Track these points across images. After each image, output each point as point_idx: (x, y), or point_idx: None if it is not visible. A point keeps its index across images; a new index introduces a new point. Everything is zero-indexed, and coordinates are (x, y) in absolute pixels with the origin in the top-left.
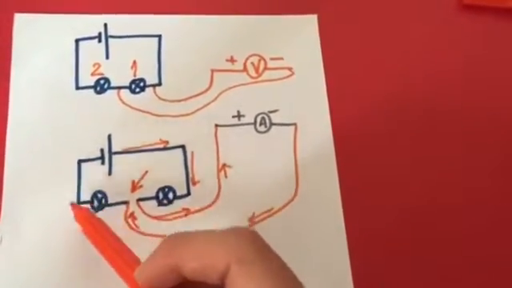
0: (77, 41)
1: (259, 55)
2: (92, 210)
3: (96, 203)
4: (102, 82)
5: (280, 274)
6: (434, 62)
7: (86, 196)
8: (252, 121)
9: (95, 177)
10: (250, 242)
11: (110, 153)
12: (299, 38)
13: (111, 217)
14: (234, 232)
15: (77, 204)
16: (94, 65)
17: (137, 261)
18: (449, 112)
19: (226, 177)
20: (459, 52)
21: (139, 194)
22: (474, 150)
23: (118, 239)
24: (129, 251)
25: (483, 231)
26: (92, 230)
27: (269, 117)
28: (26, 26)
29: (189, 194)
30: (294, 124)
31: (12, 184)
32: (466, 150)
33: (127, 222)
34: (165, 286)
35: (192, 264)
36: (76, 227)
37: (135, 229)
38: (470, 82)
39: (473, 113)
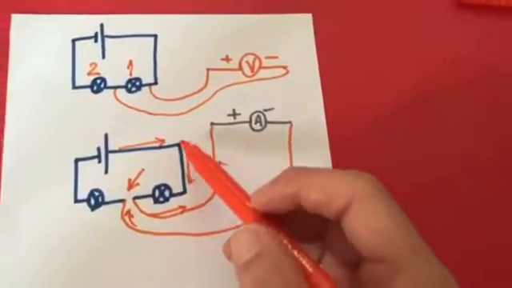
0: (73, 41)
1: (254, 54)
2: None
3: (93, 201)
4: (98, 81)
5: (400, 216)
6: (430, 61)
7: (82, 194)
8: (247, 119)
9: (92, 175)
10: (374, 184)
11: (107, 151)
12: (294, 37)
13: (108, 215)
14: (358, 173)
15: (186, 141)
16: (90, 64)
17: (247, 195)
18: (445, 110)
19: None
20: (456, 50)
21: (136, 192)
22: (472, 149)
23: (229, 176)
24: (239, 186)
25: (483, 233)
26: (204, 168)
27: (264, 115)
28: (22, 26)
29: (185, 191)
30: (289, 122)
31: (9, 183)
32: (463, 150)
33: (124, 220)
34: (278, 211)
35: (314, 195)
36: (73, 226)
37: (132, 226)
38: (467, 79)
39: (469, 111)
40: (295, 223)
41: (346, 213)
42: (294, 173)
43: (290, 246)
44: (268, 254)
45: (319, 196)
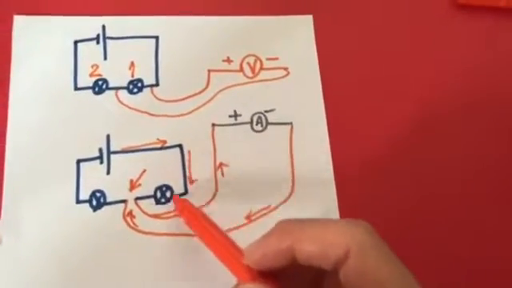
0: (75, 42)
1: (255, 55)
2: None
3: (95, 202)
4: (100, 82)
5: (398, 263)
6: (429, 61)
7: (84, 195)
8: (248, 120)
9: (94, 176)
10: (368, 231)
11: (109, 152)
12: (295, 39)
13: (110, 215)
14: (351, 221)
15: (178, 197)
16: (92, 66)
17: (240, 250)
18: (445, 110)
19: (222, 175)
20: (454, 51)
21: (137, 192)
22: (472, 149)
23: (221, 230)
24: (232, 241)
25: (481, 230)
26: (196, 223)
27: (265, 116)
28: (25, 27)
29: (186, 192)
30: (290, 123)
31: (12, 184)
32: (464, 150)
33: (126, 221)
34: (273, 268)
35: (309, 247)
36: (75, 227)
37: (133, 227)
38: (466, 80)
39: (469, 111)
40: (291, 274)
41: (343, 264)
42: (287, 226)
43: None
44: None
45: (314, 248)
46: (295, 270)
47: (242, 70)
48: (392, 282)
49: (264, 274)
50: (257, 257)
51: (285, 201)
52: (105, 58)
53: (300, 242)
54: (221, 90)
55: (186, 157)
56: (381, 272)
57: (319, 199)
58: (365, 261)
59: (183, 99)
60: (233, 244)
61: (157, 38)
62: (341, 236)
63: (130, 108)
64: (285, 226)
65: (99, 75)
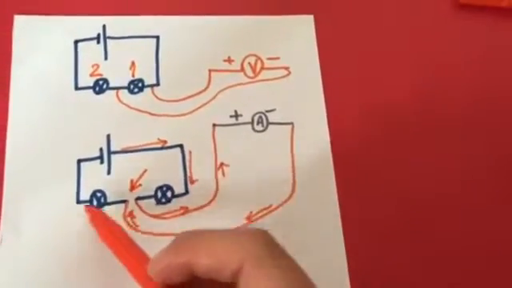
0: (76, 42)
1: (256, 55)
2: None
3: (95, 202)
4: (100, 82)
5: (292, 275)
6: (430, 61)
7: (85, 195)
8: (249, 120)
9: (94, 176)
10: (264, 242)
11: (109, 152)
12: (296, 38)
13: (110, 215)
14: (248, 232)
15: (90, 206)
16: (92, 65)
17: (148, 259)
18: (445, 110)
19: (223, 175)
20: (455, 51)
21: (138, 192)
22: (471, 146)
23: (130, 239)
24: (140, 250)
25: (480, 228)
26: (105, 230)
27: (266, 116)
28: (25, 27)
29: (187, 192)
30: (291, 123)
31: (12, 183)
32: (463, 147)
33: (126, 221)
34: (176, 281)
35: (205, 261)
36: (75, 227)
37: (134, 227)
38: (467, 80)
39: (469, 111)
40: (204, 282)
41: (240, 276)
42: (185, 239)
43: None
44: None
45: (209, 262)
46: (202, 282)
47: (242, 69)
48: None
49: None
50: (158, 271)
51: (285, 201)
52: (105, 58)
53: (196, 256)
54: (222, 90)
55: (187, 157)
56: (272, 285)
57: (320, 199)
58: (256, 275)
59: (184, 99)
60: (145, 258)
61: (157, 37)
62: (234, 249)
63: (130, 108)
64: (182, 239)
65: (100, 75)
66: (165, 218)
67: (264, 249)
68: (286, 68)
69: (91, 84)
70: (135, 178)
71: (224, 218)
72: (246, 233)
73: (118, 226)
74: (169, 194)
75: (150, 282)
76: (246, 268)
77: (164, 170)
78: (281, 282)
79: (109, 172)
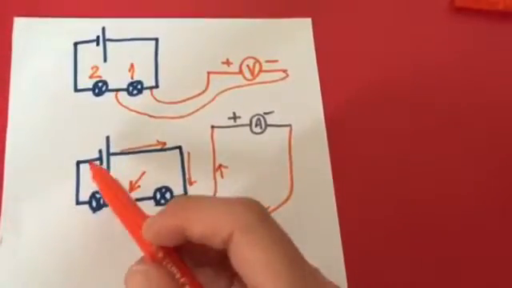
0: (75, 44)
1: (254, 58)
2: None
3: (94, 203)
4: (100, 84)
5: (280, 242)
6: (427, 64)
7: (84, 196)
8: (248, 122)
9: None
10: (254, 210)
11: (108, 154)
12: (294, 41)
13: (109, 217)
14: (240, 200)
15: (94, 163)
16: (92, 68)
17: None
18: (440, 112)
19: (222, 177)
20: (451, 54)
21: (137, 194)
22: (468, 147)
23: (130, 199)
24: (139, 209)
25: (478, 222)
26: (106, 189)
27: (264, 118)
28: (25, 29)
29: (186, 194)
30: (289, 125)
31: (12, 185)
32: (459, 145)
33: None
34: (170, 244)
35: (197, 227)
36: (75, 227)
37: None
38: (461, 83)
39: (464, 113)
40: (198, 248)
41: (230, 243)
42: (179, 204)
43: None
44: None
45: (202, 228)
46: (197, 246)
47: (241, 72)
48: (270, 263)
49: (168, 249)
50: (151, 233)
51: (284, 202)
52: (105, 60)
53: (189, 221)
54: (220, 92)
55: (186, 158)
56: (260, 253)
57: (318, 201)
58: (245, 243)
59: (183, 101)
60: (142, 215)
61: (156, 39)
62: (226, 217)
63: (129, 110)
64: (177, 203)
65: (99, 77)
66: None
67: (255, 217)
68: (284, 71)
69: (90, 86)
70: (134, 179)
71: None
72: (238, 201)
73: (120, 186)
74: (168, 195)
75: (146, 242)
76: (235, 235)
77: (163, 171)
78: (268, 250)
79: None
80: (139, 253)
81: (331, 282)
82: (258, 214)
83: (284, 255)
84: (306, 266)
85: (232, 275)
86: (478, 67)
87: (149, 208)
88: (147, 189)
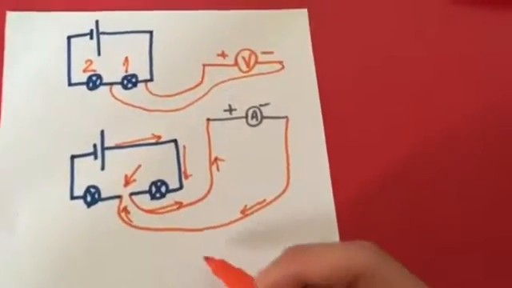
0: (69, 38)
1: (250, 50)
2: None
3: (89, 198)
4: (94, 78)
5: (408, 276)
6: (424, 54)
7: (79, 191)
8: (243, 114)
9: (88, 172)
10: (375, 250)
11: (103, 148)
12: (290, 33)
13: (104, 211)
14: (359, 243)
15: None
16: (86, 61)
17: (249, 277)
18: (441, 103)
19: (218, 170)
20: (449, 44)
21: (132, 188)
22: (469, 138)
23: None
24: (240, 270)
25: (477, 215)
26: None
27: (260, 110)
28: (18, 23)
29: (181, 187)
30: (286, 117)
31: (6, 180)
32: (462, 140)
33: (120, 217)
34: None
35: (320, 272)
36: (69, 222)
37: (128, 223)
38: (460, 74)
39: (467, 103)
40: None
41: (356, 285)
42: (296, 252)
43: None
44: None
45: (326, 273)
46: None
47: (236, 64)
48: None
49: None
50: (268, 281)
51: (280, 195)
52: (98, 54)
53: (309, 267)
54: (216, 85)
55: (181, 152)
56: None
57: (314, 193)
58: (376, 282)
59: (178, 94)
60: (241, 272)
61: (151, 32)
62: (349, 260)
63: (124, 103)
64: (293, 251)
65: (93, 71)
66: (159, 213)
67: (378, 258)
68: (280, 62)
69: (84, 80)
70: (129, 173)
71: (219, 213)
72: (358, 245)
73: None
74: (163, 189)
75: None
76: (362, 277)
77: (158, 165)
78: (405, 279)
79: (103, 168)
80: (134, 247)
81: None
82: (379, 254)
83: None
84: None
85: None
86: (477, 58)
87: (144, 202)
88: (143, 183)
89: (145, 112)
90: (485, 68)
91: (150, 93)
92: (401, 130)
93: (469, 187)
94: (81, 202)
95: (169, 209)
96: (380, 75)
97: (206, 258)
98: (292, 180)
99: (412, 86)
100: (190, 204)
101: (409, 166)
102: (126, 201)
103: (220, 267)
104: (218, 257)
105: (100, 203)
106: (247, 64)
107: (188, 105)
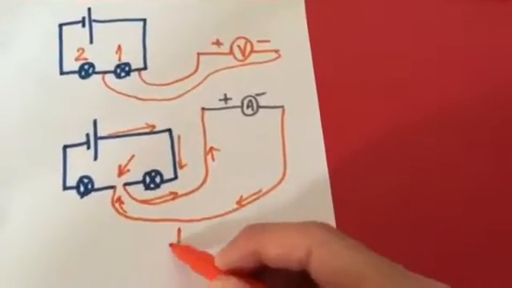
0: (60, 25)
1: (246, 38)
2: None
3: (82, 188)
4: (86, 66)
5: (357, 248)
6: (422, 41)
7: (71, 181)
8: (239, 104)
9: (81, 162)
10: (327, 228)
11: (96, 138)
12: (286, 21)
13: (98, 202)
14: (312, 222)
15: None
16: (78, 50)
17: (210, 255)
18: (438, 94)
19: (213, 160)
20: (448, 30)
21: (126, 178)
22: (471, 132)
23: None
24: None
25: (476, 213)
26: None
27: (256, 100)
28: (8, 11)
29: (176, 177)
30: (282, 106)
31: None
32: (464, 133)
33: (114, 207)
34: (243, 270)
35: (273, 250)
36: (61, 213)
37: (123, 213)
38: (459, 64)
39: (462, 96)
40: (277, 275)
41: (308, 262)
42: (251, 231)
43: None
44: None
45: (278, 251)
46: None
47: (232, 52)
48: (356, 266)
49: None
50: (225, 261)
51: (276, 185)
52: (91, 42)
53: (263, 245)
54: (210, 74)
55: (176, 141)
56: (344, 261)
57: (311, 183)
58: (327, 255)
59: (172, 83)
60: (204, 254)
61: (144, 20)
62: (301, 238)
63: (117, 92)
64: (250, 230)
65: (85, 59)
66: (154, 204)
67: (329, 233)
68: (276, 51)
69: (76, 68)
70: (123, 163)
71: (214, 203)
72: (310, 223)
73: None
74: (157, 179)
75: (215, 270)
76: (314, 252)
77: (152, 155)
78: (351, 260)
79: (96, 157)
80: (129, 238)
81: (418, 276)
82: (330, 229)
83: (366, 257)
84: (390, 263)
85: None
86: (475, 48)
87: (139, 193)
88: (136, 173)
89: (138, 101)
90: (482, 61)
91: (144, 81)
92: (398, 118)
93: (467, 172)
94: (74, 192)
95: (163, 199)
96: (377, 63)
97: (171, 245)
98: (288, 170)
99: (409, 74)
100: (185, 194)
101: (407, 155)
102: (120, 191)
103: (184, 251)
104: (213, 249)
105: (93, 193)
106: (243, 53)
107: (182, 94)
